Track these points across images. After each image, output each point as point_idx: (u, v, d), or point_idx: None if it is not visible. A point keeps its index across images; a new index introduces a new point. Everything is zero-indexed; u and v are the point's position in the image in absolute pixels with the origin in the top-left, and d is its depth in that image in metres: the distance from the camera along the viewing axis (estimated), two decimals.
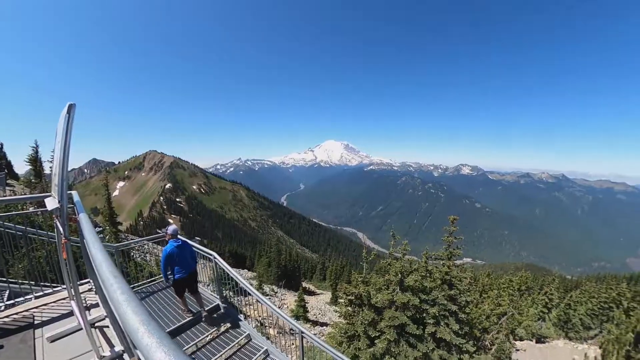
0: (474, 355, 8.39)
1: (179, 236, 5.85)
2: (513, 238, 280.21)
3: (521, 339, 19.82)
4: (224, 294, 6.65)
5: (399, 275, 7.33)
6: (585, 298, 24.14)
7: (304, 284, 39.51)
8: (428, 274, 7.96)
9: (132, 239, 7.74)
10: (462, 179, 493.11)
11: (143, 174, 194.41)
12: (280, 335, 7.05)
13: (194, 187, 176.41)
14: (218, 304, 6.57)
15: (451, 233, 8.23)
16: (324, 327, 19.89)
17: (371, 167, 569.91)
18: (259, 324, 8.91)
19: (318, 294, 35.88)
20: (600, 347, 7.39)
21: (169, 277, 5.75)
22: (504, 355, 12.28)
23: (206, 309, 6.22)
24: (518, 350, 16.79)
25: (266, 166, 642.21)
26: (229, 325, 6.10)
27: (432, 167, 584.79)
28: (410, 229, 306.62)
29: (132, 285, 6.72)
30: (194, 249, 6.30)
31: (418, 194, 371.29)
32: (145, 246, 19.30)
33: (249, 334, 5.92)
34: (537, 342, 20.73)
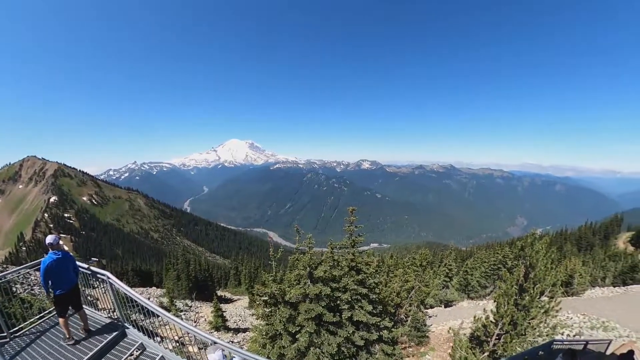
0: (392, 329, 9.15)
1: (61, 245, 5.28)
2: (413, 222, 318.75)
3: (432, 307, 22.47)
4: (132, 318, 5.92)
5: (308, 268, 7.55)
6: (478, 264, 28.79)
7: (219, 293, 38.18)
8: (336, 263, 8.38)
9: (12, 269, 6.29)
10: (363, 173, 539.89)
11: (20, 187, 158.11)
12: (203, 350, 6.55)
13: (84, 198, 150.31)
14: (124, 330, 5.86)
15: (352, 223, 8.81)
16: (247, 332, 19.29)
17: (277, 165, 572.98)
18: (178, 344, 8.11)
19: (235, 301, 35.05)
20: (494, 301, 8.91)
21: (50, 292, 5.26)
22: (418, 323, 13.72)
23: (110, 336, 5.60)
24: (430, 316, 18.97)
25: (165, 169, 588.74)
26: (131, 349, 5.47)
27: (335, 164, 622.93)
28: (319, 222, 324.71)
29: (19, 327, 5.84)
30: (76, 262, 5.71)
31: (323, 189, 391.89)
32: (32, 277, 15.85)
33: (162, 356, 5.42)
34: (445, 307, 23.78)
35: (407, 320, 13.90)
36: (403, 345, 13.33)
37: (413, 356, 12.94)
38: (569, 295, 24.05)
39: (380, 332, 8.46)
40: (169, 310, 16.99)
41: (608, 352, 7.93)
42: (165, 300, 23.61)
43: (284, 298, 7.40)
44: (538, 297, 7.97)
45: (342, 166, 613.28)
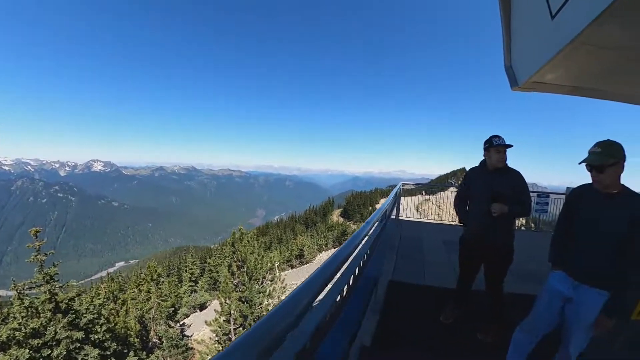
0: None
1: None
2: (158, 228, 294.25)
3: (187, 316, 21.84)
4: None
5: None
6: (220, 260, 30.67)
7: None
8: (31, 311, 6.22)
9: None
10: (95, 176, 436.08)
11: None
12: None
13: None
14: None
15: (38, 250, 6.77)
16: None
17: None
18: None
19: None
20: (217, 299, 9.39)
21: None
22: (173, 340, 12.77)
23: None
24: (189, 325, 18.40)
25: None
26: None
27: (57, 165, 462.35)
28: (41, 249, 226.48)
29: None
30: None
31: (43, 202, 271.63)
32: None
33: None
34: (201, 310, 23.84)
35: (162, 342, 12.69)
36: None
37: None
38: (304, 264, 31.39)
39: None
40: None
41: None
42: None
43: None
44: (259, 284, 9.24)
45: (67, 168, 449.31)
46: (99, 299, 9.77)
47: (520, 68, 3.42)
